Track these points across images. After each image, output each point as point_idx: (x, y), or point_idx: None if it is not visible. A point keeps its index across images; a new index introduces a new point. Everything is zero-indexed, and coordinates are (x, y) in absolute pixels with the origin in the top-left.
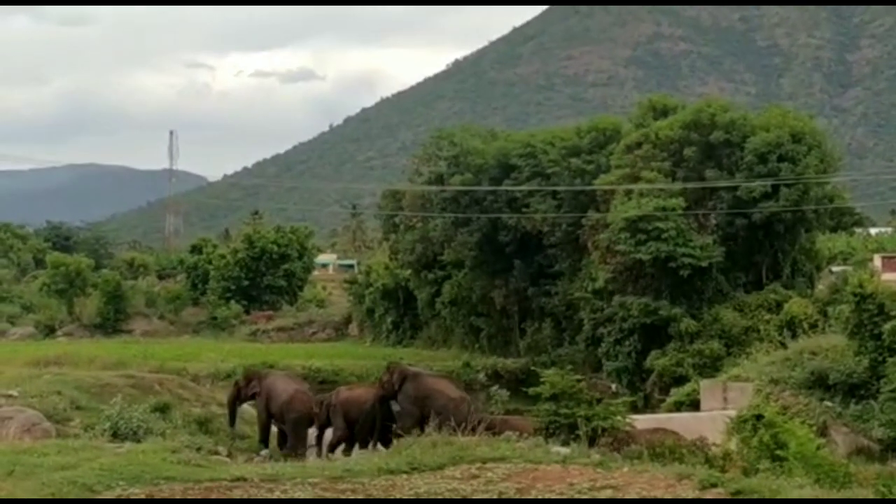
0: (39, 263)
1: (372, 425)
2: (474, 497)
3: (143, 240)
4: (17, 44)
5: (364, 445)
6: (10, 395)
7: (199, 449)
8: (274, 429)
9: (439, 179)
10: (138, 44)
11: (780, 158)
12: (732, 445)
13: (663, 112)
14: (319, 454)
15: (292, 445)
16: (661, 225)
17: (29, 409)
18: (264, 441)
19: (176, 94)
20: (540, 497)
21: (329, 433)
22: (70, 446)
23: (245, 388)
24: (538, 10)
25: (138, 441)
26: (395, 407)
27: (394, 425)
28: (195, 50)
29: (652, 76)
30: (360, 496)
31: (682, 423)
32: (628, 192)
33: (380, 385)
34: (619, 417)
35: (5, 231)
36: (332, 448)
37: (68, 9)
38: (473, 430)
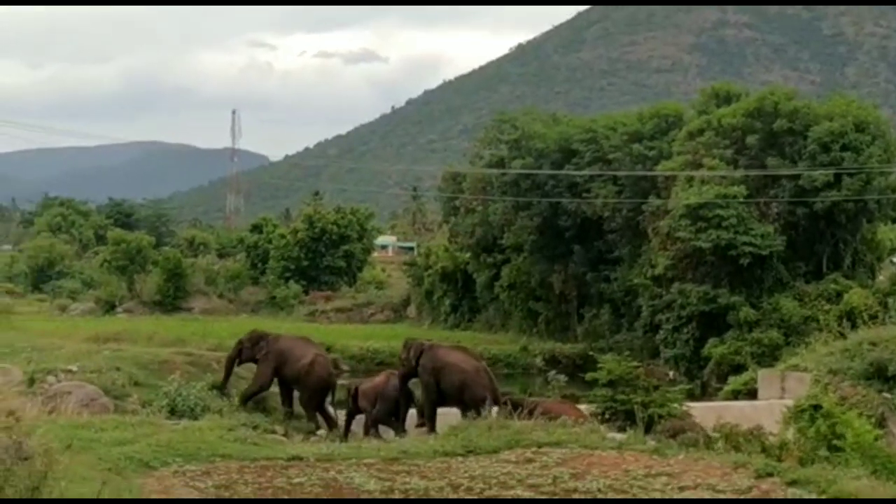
0: (101, 240)
1: (396, 406)
2: (529, 481)
3: (203, 218)
4: (83, 22)
5: (385, 424)
6: (70, 371)
7: (255, 427)
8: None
9: (500, 163)
10: (203, 23)
11: (844, 148)
12: (789, 435)
13: (726, 99)
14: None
15: (310, 415)
16: (721, 212)
17: (88, 385)
18: (249, 398)
19: (239, 74)
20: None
21: (358, 420)
22: (127, 422)
23: (250, 349)
24: None
25: (195, 418)
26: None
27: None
28: (259, 30)
29: (716, 63)
30: (416, 477)
31: (738, 411)
32: (689, 179)
33: (400, 363)
34: (675, 405)
35: (68, 207)
36: (367, 428)
37: None
38: (530, 413)
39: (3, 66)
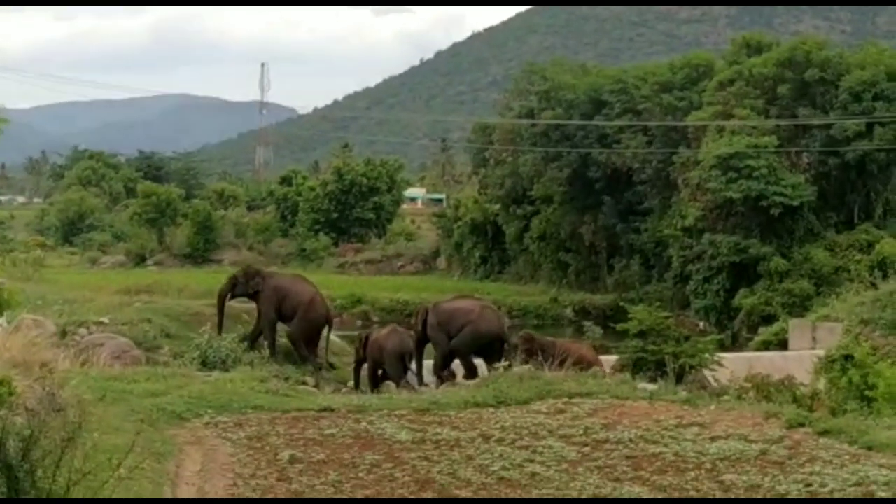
0: (131, 193)
1: (398, 361)
2: (560, 431)
3: (233, 171)
4: None
5: (390, 379)
6: (101, 322)
7: (286, 379)
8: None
9: (530, 114)
10: None
11: (876, 97)
12: (820, 385)
13: (757, 49)
14: (356, 387)
15: (303, 354)
16: (752, 163)
17: (119, 336)
18: (257, 337)
19: (268, 27)
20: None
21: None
22: (159, 373)
23: (245, 284)
24: None
25: (226, 370)
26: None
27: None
28: None
29: (746, 13)
30: (447, 427)
31: (769, 362)
32: (720, 130)
33: (414, 333)
34: (706, 355)
35: (97, 160)
36: (369, 381)
37: None
38: (562, 363)
39: (32, 20)
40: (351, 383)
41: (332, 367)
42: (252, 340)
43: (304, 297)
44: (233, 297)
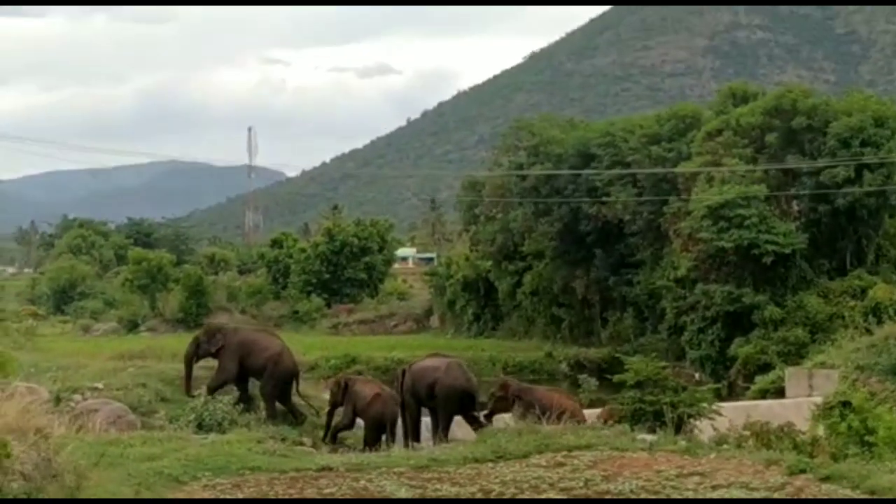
0: (121, 260)
1: (377, 427)
2: (561, 485)
3: (223, 235)
4: (97, 43)
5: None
6: (96, 388)
7: (283, 439)
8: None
9: (519, 169)
10: (215, 41)
11: (864, 143)
12: (820, 432)
13: (743, 99)
14: (325, 436)
15: (271, 411)
16: (743, 212)
17: (114, 402)
18: (215, 390)
19: (253, 91)
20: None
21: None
22: (155, 437)
23: (207, 342)
24: None
25: (223, 432)
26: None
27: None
28: (271, 46)
29: (730, 65)
30: (447, 483)
31: (767, 410)
32: (710, 180)
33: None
34: (704, 404)
35: (87, 228)
36: (335, 432)
37: (145, 8)
38: (519, 398)
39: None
40: (350, 441)
41: (303, 417)
42: (211, 392)
43: (270, 351)
44: (198, 358)
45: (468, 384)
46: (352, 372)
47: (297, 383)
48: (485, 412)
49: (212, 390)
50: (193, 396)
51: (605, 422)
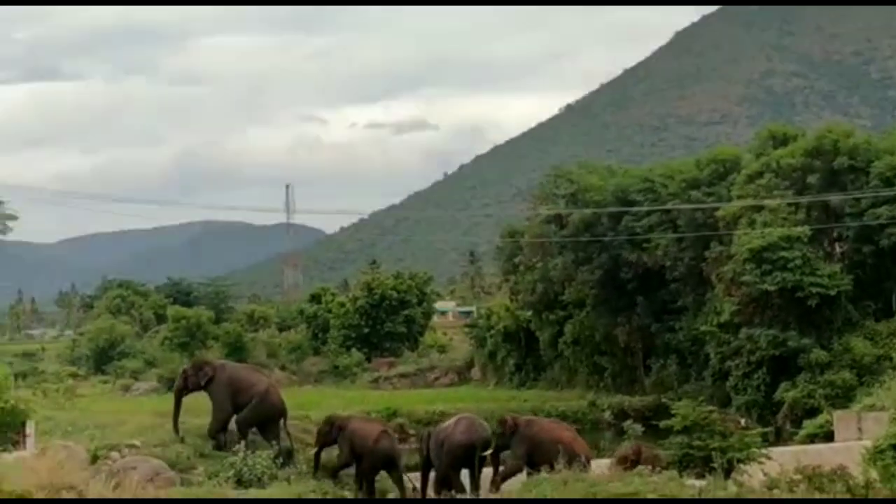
0: (161, 319)
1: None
2: None
3: (262, 293)
4: (134, 105)
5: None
6: (133, 445)
7: (324, 494)
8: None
9: (558, 218)
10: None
11: None
12: (873, 475)
13: (783, 141)
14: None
15: (242, 436)
16: (786, 254)
17: (152, 458)
18: (219, 431)
19: (290, 149)
20: None
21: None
22: (193, 494)
23: (194, 375)
24: (649, 50)
25: (263, 487)
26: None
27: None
28: (307, 104)
29: (766, 113)
30: None
31: (817, 454)
32: (751, 223)
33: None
34: (754, 448)
35: (127, 289)
36: (336, 471)
37: (180, 69)
38: (515, 430)
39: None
40: (391, 496)
41: (290, 454)
42: (214, 434)
43: (259, 387)
44: (187, 391)
45: (475, 440)
46: (393, 426)
47: (285, 421)
48: (489, 451)
49: (214, 432)
50: (180, 436)
51: (622, 462)
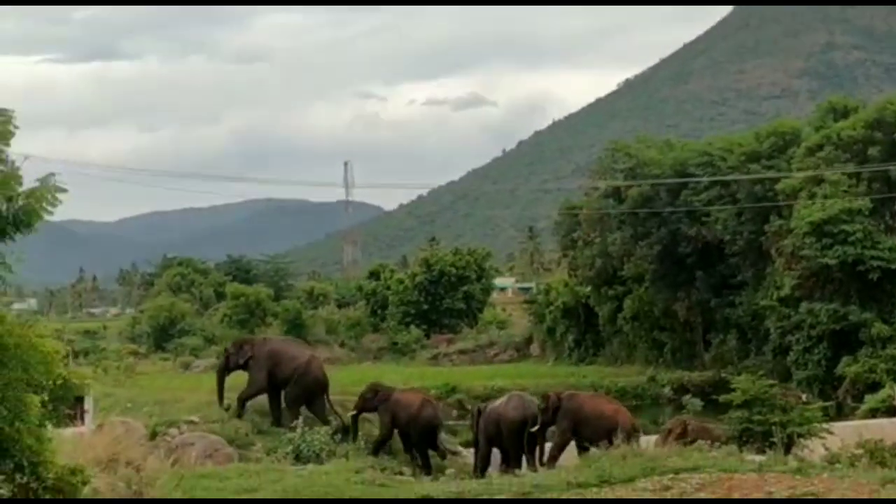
0: (221, 297)
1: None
2: None
3: (321, 271)
4: (193, 83)
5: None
6: (192, 422)
7: (382, 469)
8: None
9: (616, 192)
10: (308, 78)
11: None
12: None
13: (844, 113)
14: (353, 438)
15: (285, 422)
16: (847, 227)
17: (210, 435)
18: (247, 399)
19: (348, 126)
20: None
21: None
22: (251, 469)
23: (235, 354)
24: (708, 24)
25: (321, 463)
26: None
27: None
28: (365, 81)
29: (826, 86)
30: None
31: (879, 429)
32: (812, 196)
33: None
34: (815, 423)
35: (187, 266)
36: (377, 446)
37: (242, 46)
38: (557, 408)
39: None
40: (450, 471)
41: (347, 430)
42: (241, 404)
43: (299, 360)
44: (229, 371)
45: (523, 418)
46: (452, 401)
47: (328, 394)
48: (535, 427)
49: (243, 401)
50: (226, 409)
51: (669, 435)
